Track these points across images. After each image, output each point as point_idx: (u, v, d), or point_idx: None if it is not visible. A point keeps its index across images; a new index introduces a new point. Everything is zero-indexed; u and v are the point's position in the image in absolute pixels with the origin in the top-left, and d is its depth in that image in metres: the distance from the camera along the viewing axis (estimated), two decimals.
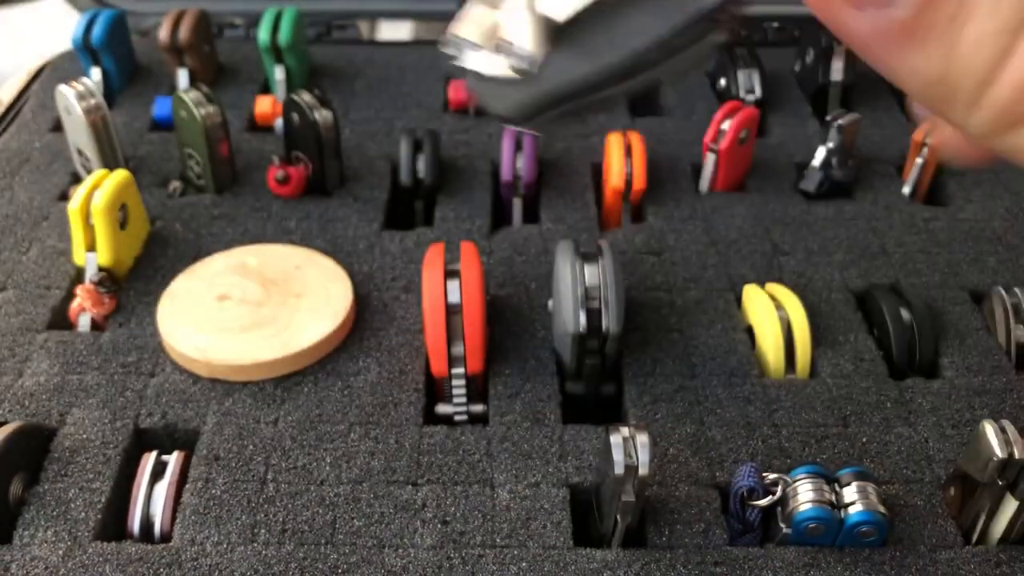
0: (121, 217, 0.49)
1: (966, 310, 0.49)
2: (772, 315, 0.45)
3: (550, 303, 0.47)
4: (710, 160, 0.56)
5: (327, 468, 0.40)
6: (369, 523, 0.37)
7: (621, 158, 0.55)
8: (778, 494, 0.36)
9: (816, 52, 0.65)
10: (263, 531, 0.37)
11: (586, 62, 0.21)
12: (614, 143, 0.56)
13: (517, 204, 0.57)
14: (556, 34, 0.21)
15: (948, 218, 0.56)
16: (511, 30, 0.21)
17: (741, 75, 0.65)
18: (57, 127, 0.61)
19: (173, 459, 0.40)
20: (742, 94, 0.64)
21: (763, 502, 0.36)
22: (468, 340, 0.42)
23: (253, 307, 0.46)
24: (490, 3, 0.22)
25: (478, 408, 0.43)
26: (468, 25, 0.22)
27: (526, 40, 0.21)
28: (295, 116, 0.55)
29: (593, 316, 0.42)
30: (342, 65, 0.71)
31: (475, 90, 0.22)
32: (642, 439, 0.34)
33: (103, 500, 0.38)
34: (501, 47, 0.22)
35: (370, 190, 0.57)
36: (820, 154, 0.58)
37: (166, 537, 0.37)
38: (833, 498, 0.36)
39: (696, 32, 0.20)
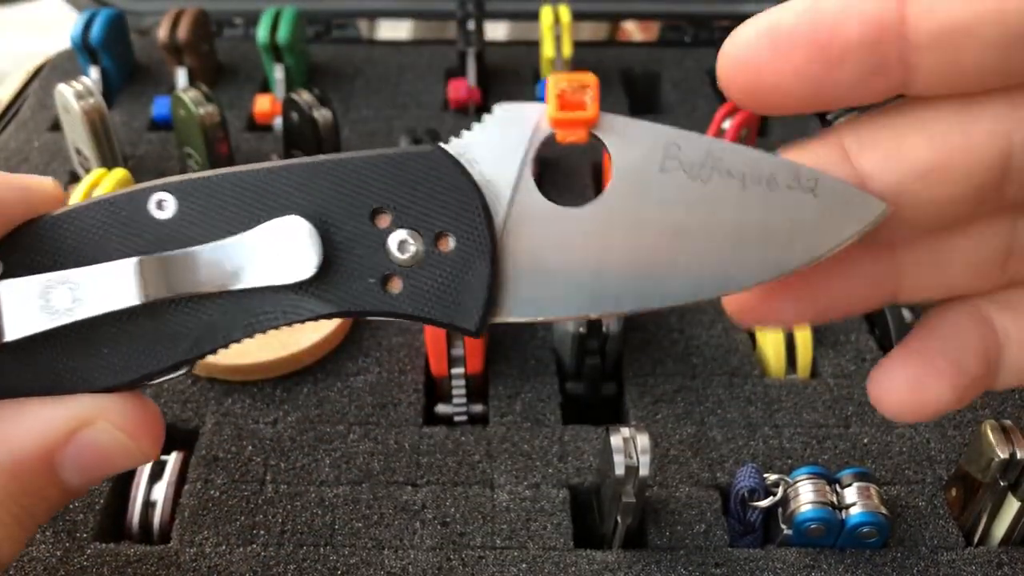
0: None
1: None
2: None
3: None
4: None
5: (326, 469, 0.40)
6: (368, 524, 0.37)
7: None
8: (779, 495, 0.36)
9: None
10: (262, 532, 0.37)
11: (53, 381, 0.22)
12: None
13: None
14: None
15: None
16: None
17: None
18: (56, 126, 0.61)
19: (172, 460, 0.39)
20: None
21: (764, 503, 0.36)
22: (468, 340, 0.42)
23: None
24: None
25: (478, 408, 0.43)
26: None
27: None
28: (294, 115, 0.54)
29: None
30: (342, 64, 0.70)
31: None
32: (642, 440, 0.34)
33: (101, 501, 0.38)
34: None
35: None
36: None
37: (165, 538, 0.37)
38: (834, 499, 0.36)
39: (167, 372, 0.23)
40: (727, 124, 0.55)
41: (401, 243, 0.22)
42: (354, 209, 0.22)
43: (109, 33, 0.64)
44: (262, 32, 0.63)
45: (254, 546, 0.36)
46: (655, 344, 0.46)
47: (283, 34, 0.63)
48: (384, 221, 0.22)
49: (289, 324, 0.22)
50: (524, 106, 0.22)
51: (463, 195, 0.22)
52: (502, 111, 0.22)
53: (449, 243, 0.22)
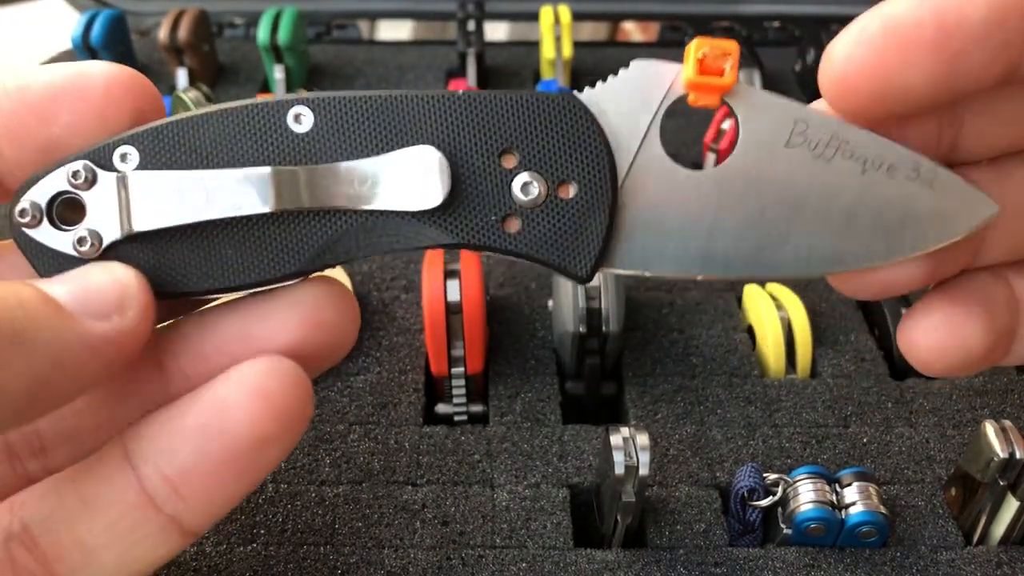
0: None
1: None
2: (772, 315, 0.45)
3: (550, 303, 0.47)
4: (710, 160, 0.56)
5: (327, 468, 0.40)
6: (369, 523, 0.37)
7: None
8: (779, 494, 0.36)
9: (817, 52, 0.65)
10: (263, 531, 0.37)
11: (174, 276, 0.23)
12: None
13: None
14: (140, 237, 0.22)
15: None
16: (95, 213, 0.22)
17: (742, 74, 0.65)
18: None
19: None
20: None
21: (764, 502, 0.36)
22: (468, 340, 0.42)
23: None
24: (82, 180, 0.22)
25: (478, 408, 0.43)
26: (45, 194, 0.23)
27: (111, 228, 0.22)
28: None
29: (593, 316, 0.42)
30: (342, 65, 0.70)
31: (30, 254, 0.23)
32: (642, 439, 0.34)
33: None
34: (76, 227, 0.22)
35: None
36: None
37: None
38: (834, 498, 0.36)
39: (286, 279, 0.23)
40: (727, 124, 0.55)
41: (524, 185, 0.22)
42: (484, 146, 0.22)
43: (110, 34, 0.64)
44: (262, 33, 0.63)
45: (255, 545, 0.36)
46: (655, 344, 0.46)
47: (283, 35, 0.63)
48: (511, 162, 0.22)
49: (409, 250, 0.23)
50: (661, 64, 0.22)
51: (590, 144, 0.22)
52: (638, 67, 0.22)
53: (571, 190, 0.22)
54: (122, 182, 0.22)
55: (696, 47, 0.22)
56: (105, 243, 0.22)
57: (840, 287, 0.24)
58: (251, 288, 0.23)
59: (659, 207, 0.22)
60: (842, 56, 0.20)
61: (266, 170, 0.22)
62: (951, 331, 0.23)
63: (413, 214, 0.22)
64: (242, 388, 0.22)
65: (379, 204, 0.22)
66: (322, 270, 0.23)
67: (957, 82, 0.20)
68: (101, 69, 0.23)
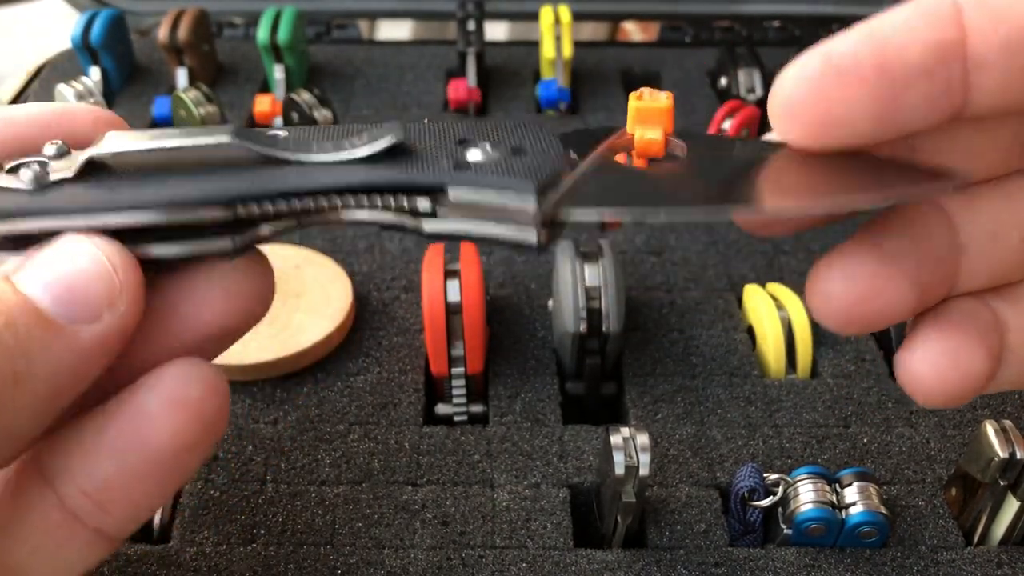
0: None
1: None
2: (773, 315, 0.45)
3: (550, 303, 0.47)
4: None
5: (326, 468, 0.40)
6: (369, 524, 0.37)
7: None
8: (779, 495, 0.36)
9: None
10: (262, 532, 0.37)
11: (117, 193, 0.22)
12: None
13: None
14: (93, 169, 0.22)
15: None
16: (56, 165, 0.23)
17: (742, 74, 0.65)
18: None
19: None
20: (743, 93, 0.64)
21: (764, 503, 0.36)
22: (468, 340, 0.42)
23: None
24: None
25: (478, 408, 0.43)
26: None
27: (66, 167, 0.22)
28: (295, 115, 0.54)
29: (593, 316, 0.42)
30: (342, 64, 0.70)
31: None
32: (642, 439, 0.34)
33: None
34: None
35: None
36: None
37: (165, 537, 0.37)
38: (834, 499, 0.36)
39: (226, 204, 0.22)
40: (727, 124, 0.55)
41: (478, 152, 0.23)
42: (443, 136, 0.24)
43: (109, 33, 0.64)
44: (262, 32, 0.63)
45: (254, 545, 0.36)
46: (655, 344, 0.46)
47: (283, 34, 0.63)
48: (468, 143, 0.24)
49: (352, 192, 0.22)
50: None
51: (544, 134, 0.24)
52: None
53: (523, 153, 0.23)
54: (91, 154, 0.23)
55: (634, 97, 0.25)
56: (52, 177, 0.22)
57: (826, 322, 0.23)
58: (190, 204, 0.22)
59: (612, 180, 0.24)
60: (786, 91, 0.20)
61: (227, 127, 0.23)
62: (954, 360, 0.22)
63: (361, 160, 0.23)
64: (160, 398, 0.21)
65: (333, 157, 0.23)
66: (263, 218, 0.23)
67: (902, 118, 0.20)
68: (87, 107, 0.25)
